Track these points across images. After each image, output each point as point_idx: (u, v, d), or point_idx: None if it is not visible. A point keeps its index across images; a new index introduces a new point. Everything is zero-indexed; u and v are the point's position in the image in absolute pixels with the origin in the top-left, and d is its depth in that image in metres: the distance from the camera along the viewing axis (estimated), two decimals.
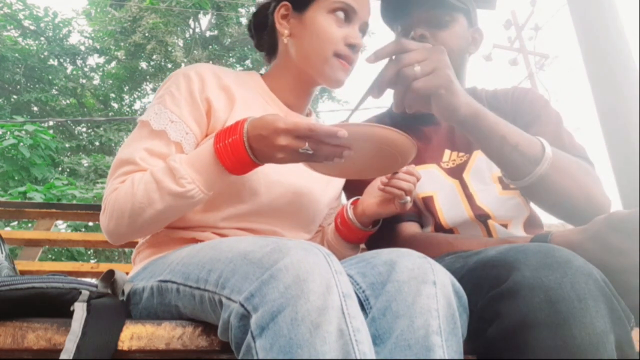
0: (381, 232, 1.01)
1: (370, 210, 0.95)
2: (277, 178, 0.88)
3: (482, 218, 0.96)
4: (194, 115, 0.86)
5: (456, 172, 1.00)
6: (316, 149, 0.70)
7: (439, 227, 0.98)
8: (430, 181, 1.00)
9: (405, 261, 0.63)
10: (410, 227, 0.99)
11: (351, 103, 12.49)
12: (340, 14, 0.91)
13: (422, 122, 1.07)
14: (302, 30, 0.92)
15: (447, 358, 0.55)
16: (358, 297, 0.63)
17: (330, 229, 1.05)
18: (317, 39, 0.90)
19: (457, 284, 0.64)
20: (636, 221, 0.65)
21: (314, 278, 0.52)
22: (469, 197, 0.98)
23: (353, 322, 0.51)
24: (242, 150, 0.73)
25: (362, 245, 1.08)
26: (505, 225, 0.97)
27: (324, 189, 0.98)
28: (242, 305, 0.52)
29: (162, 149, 0.83)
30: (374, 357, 0.52)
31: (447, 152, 1.04)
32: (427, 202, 1.00)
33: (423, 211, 1.01)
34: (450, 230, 0.98)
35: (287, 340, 0.48)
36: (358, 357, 0.49)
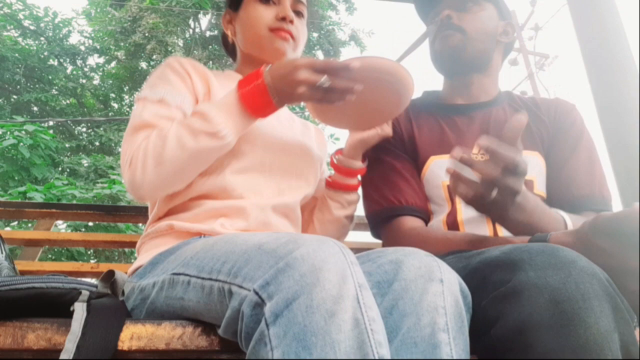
0: (382, 224, 1.01)
1: (353, 139, 1.03)
2: (271, 131, 0.96)
3: None
4: (185, 84, 0.94)
5: None
6: (332, 83, 0.78)
7: (451, 219, 0.98)
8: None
9: (412, 260, 0.63)
10: (411, 221, 0.99)
11: None
12: None
13: (456, 112, 1.08)
14: (241, 25, 1.05)
15: (454, 356, 0.55)
16: None
17: (322, 192, 1.10)
18: (250, 24, 1.02)
19: (463, 284, 0.64)
20: (619, 223, 0.66)
21: (329, 267, 0.52)
22: None
23: (369, 312, 0.51)
24: (264, 92, 0.81)
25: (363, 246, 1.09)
26: None
27: (311, 141, 1.07)
28: (257, 293, 0.52)
29: (169, 112, 0.88)
30: (388, 347, 0.51)
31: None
32: (451, 190, 0.99)
33: (441, 200, 1.01)
34: (456, 227, 0.97)
35: (301, 328, 0.48)
36: (373, 347, 0.49)
